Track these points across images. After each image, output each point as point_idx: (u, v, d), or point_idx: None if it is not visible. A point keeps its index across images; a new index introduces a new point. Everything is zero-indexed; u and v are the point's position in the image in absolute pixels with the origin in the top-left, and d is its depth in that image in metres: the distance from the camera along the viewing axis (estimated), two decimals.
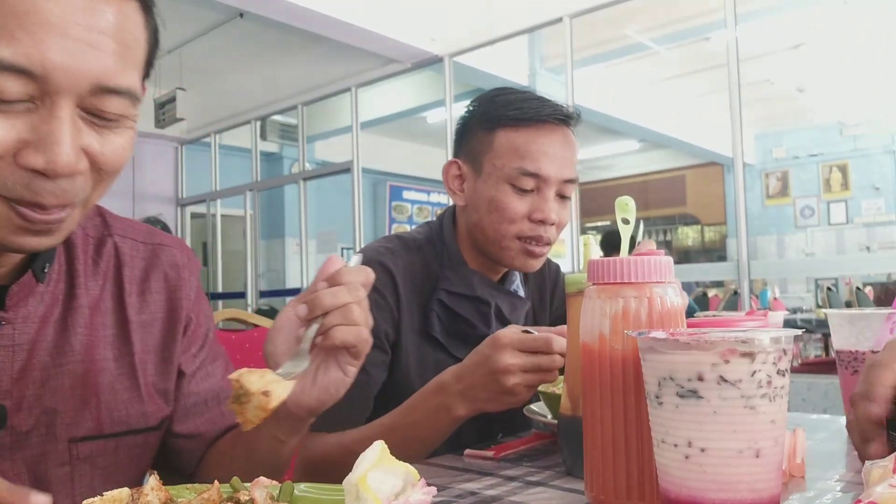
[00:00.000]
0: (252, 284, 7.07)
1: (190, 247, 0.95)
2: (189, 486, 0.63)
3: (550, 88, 5.74)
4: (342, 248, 8.67)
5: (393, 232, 10.30)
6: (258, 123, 7.19)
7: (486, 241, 1.24)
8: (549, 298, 1.42)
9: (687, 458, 0.57)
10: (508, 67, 5.70)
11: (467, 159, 1.28)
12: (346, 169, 6.14)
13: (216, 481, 0.60)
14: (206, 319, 0.93)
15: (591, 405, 0.69)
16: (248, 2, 4.70)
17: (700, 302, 6.71)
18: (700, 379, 0.56)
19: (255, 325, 1.66)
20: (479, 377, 0.97)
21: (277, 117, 7.36)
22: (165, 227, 7.34)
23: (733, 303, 5.48)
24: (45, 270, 0.76)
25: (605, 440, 0.67)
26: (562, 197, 1.24)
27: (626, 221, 0.78)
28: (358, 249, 1.33)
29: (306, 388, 0.75)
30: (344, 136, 6.55)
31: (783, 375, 0.57)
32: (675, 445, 0.57)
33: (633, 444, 0.66)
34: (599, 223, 10.71)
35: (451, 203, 1.34)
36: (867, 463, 0.60)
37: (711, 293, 7.89)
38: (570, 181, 1.23)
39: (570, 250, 4.97)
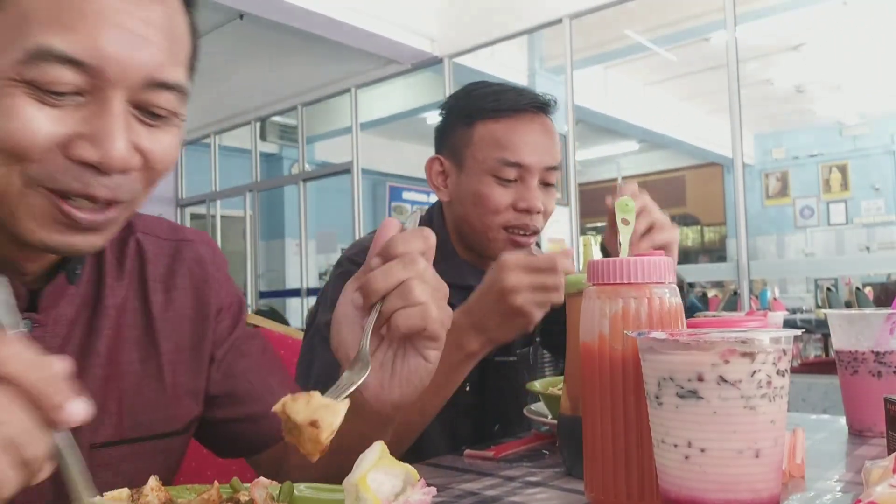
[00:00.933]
0: (252, 285, 7.07)
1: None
2: (189, 486, 0.63)
3: (550, 89, 5.71)
4: (342, 249, 8.66)
5: None
6: (258, 124, 7.19)
7: (472, 233, 1.24)
8: None
9: (687, 458, 0.57)
10: (508, 68, 5.70)
11: (449, 155, 1.28)
12: (345, 170, 6.14)
13: (216, 482, 0.60)
14: (238, 304, 0.90)
15: (591, 405, 0.69)
16: (248, 3, 4.70)
17: (699, 302, 6.71)
18: (700, 379, 0.56)
19: (255, 326, 1.65)
20: (487, 304, 0.97)
21: (277, 118, 7.37)
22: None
23: (733, 303, 5.48)
24: (78, 272, 0.74)
25: (605, 440, 0.67)
26: (546, 185, 1.24)
27: (625, 222, 0.78)
28: (353, 242, 1.32)
29: (385, 382, 0.69)
30: (344, 136, 6.55)
31: (783, 376, 0.57)
32: (675, 446, 0.57)
33: (633, 445, 0.66)
34: (599, 224, 10.71)
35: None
36: (867, 463, 0.60)
37: (711, 293, 7.90)
38: (553, 168, 1.23)
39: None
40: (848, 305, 5.67)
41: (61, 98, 0.59)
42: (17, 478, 0.43)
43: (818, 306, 7.09)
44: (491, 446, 0.98)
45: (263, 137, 7.50)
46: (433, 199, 1.43)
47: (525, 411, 1.09)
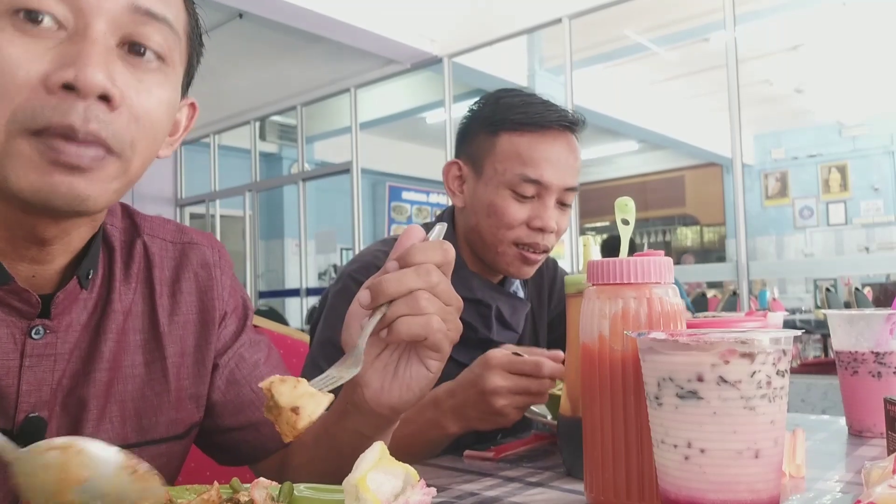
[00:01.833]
0: (251, 285, 7.07)
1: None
2: (189, 486, 0.63)
3: (549, 89, 5.73)
4: (341, 249, 8.68)
5: (392, 233, 10.27)
6: (257, 124, 7.19)
7: (482, 244, 1.23)
8: (548, 296, 1.42)
9: (686, 458, 0.57)
10: (507, 68, 5.70)
11: (468, 160, 1.26)
12: (345, 169, 6.14)
13: (216, 482, 0.60)
14: (243, 311, 0.89)
15: (591, 406, 0.69)
16: (248, 2, 4.70)
17: (699, 303, 6.71)
18: (700, 380, 0.56)
19: (255, 326, 1.65)
20: (469, 396, 0.97)
21: (277, 118, 7.37)
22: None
23: (732, 303, 5.48)
24: (90, 276, 0.73)
25: (604, 441, 0.67)
26: (562, 204, 1.23)
27: (625, 222, 0.78)
28: (357, 251, 1.32)
29: (386, 385, 0.70)
30: (343, 136, 6.55)
31: (783, 376, 0.57)
32: (675, 446, 0.57)
33: (633, 445, 0.66)
34: (598, 224, 10.72)
35: (449, 204, 1.33)
36: (867, 463, 0.60)
37: (710, 294, 7.89)
38: (572, 189, 1.22)
39: (570, 251, 4.97)
40: (847, 306, 5.67)
41: (44, 31, 0.59)
42: None
43: (817, 307, 7.08)
44: (491, 447, 0.98)
45: (263, 137, 7.49)
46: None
47: (525, 411, 1.09)
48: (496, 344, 1.16)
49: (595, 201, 9.52)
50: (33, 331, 0.69)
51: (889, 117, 8.51)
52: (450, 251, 0.67)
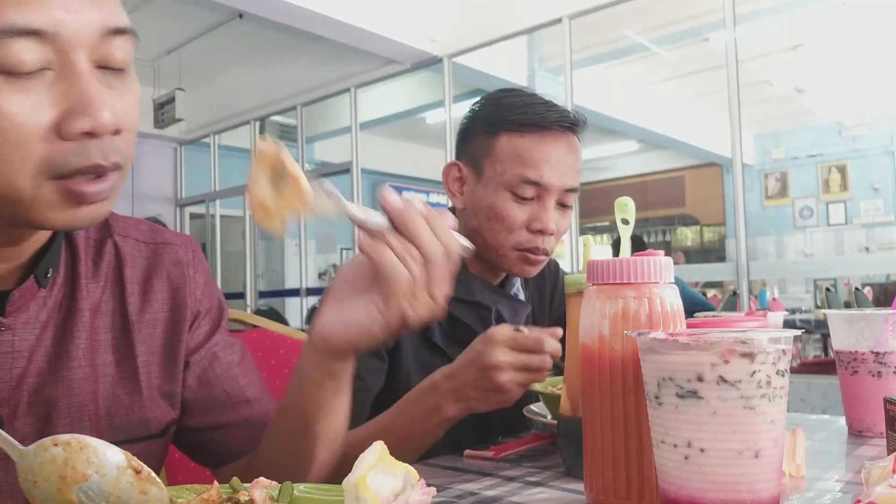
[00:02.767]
0: (251, 285, 7.06)
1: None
2: (189, 486, 0.63)
3: (549, 89, 5.73)
4: (341, 249, 8.67)
5: None
6: (257, 124, 7.19)
7: (485, 246, 1.22)
8: (549, 297, 1.42)
9: (686, 458, 0.57)
10: (507, 68, 5.70)
11: (468, 162, 1.25)
12: (345, 169, 6.14)
13: (216, 482, 0.60)
14: (218, 312, 0.89)
15: (591, 406, 0.69)
16: (248, 2, 4.70)
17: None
18: (699, 379, 0.56)
19: (255, 326, 1.65)
20: (469, 374, 0.96)
21: (276, 118, 7.36)
22: (164, 227, 7.33)
23: (732, 303, 5.48)
24: (48, 276, 0.74)
25: (604, 441, 0.67)
26: (562, 206, 1.22)
27: (625, 222, 0.78)
28: (357, 251, 1.31)
29: (344, 319, 0.71)
30: (343, 136, 6.55)
31: (782, 376, 0.57)
32: (675, 446, 0.57)
33: (633, 445, 0.66)
34: (598, 224, 10.71)
35: (449, 205, 1.33)
36: (867, 463, 0.60)
37: (710, 294, 7.90)
38: (572, 190, 1.21)
39: (570, 251, 4.97)
40: (847, 306, 5.67)
41: (30, 78, 0.60)
42: None
43: (817, 306, 7.08)
44: (491, 446, 0.98)
45: (263, 137, 7.49)
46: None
47: (525, 411, 1.09)
48: None
49: (595, 201, 9.52)
50: None
51: (889, 117, 8.50)
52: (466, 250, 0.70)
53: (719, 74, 4.25)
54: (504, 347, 0.94)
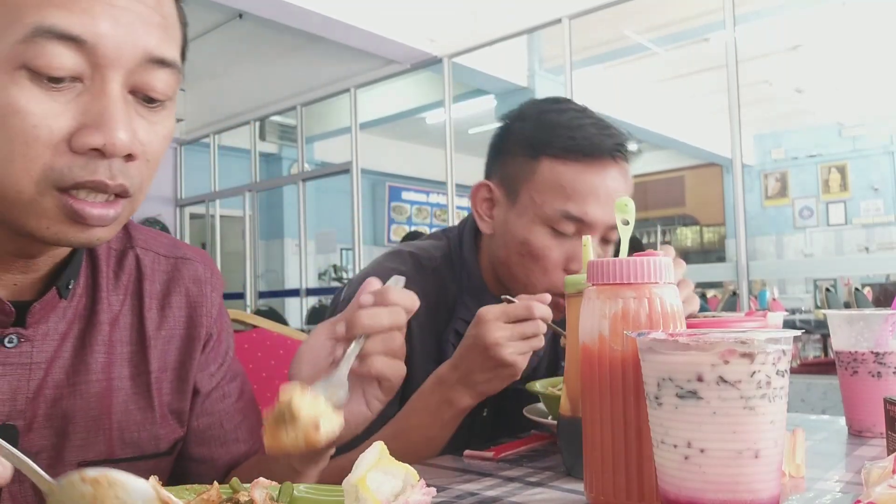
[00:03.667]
0: (251, 285, 7.07)
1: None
2: (188, 486, 0.63)
3: (549, 89, 5.74)
4: (341, 249, 8.68)
5: (392, 234, 10.18)
6: (257, 124, 7.19)
7: (511, 279, 1.13)
8: None
9: (686, 458, 0.57)
10: (507, 68, 5.71)
11: (501, 183, 1.12)
12: (345, 170, 6.14)
13: (215, 482, 0.60)
14: (227, 336, 0.89)
15: (591, 406, 0.69)
16: (248, 2, 4.70)
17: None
18: (699, 380, 0.56)
19: (254, 326, 1.66)
20: (473, 359, 0.94)
21: (276, 118, 7.37)
22: (164, 228, 7.34)
23: (732, 304, 5.48)
24: (70, 287, 0.73)
25: (604, 441, 0.67)
26: (605, 241, 1.10)
27: (625, 222, 0.78)
28: (357, 251, 1.28)
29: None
30: (343, 136, 6.56)
31: (782, 376, 0.57)
32: (675, 446, 0.57)
33: (633, 445, 0.66)
34: None
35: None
36: (867, 463, 0.60)
37: (710, 294, 7.90)
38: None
39: None
40: (847, 306, 5.67)
41: (61, 84, 0.59)
42: None
43: (817, 307, 7.09)
44: (491, 446, 0.98)
45: (263, 137, 7.49)
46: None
47: (524, 411, 1.08)
48: None
49: None
50: (6, 339, 0.69)
51: (889, 117, 8.51)
52: (416, 303, 0.72)
53: (719, 74, 4.25)
54: (497, 323, 0.92)
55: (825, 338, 5.69)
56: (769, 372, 0.56)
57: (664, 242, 10.67)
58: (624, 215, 0.77)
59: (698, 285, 7.67)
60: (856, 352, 1.00)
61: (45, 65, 0.58)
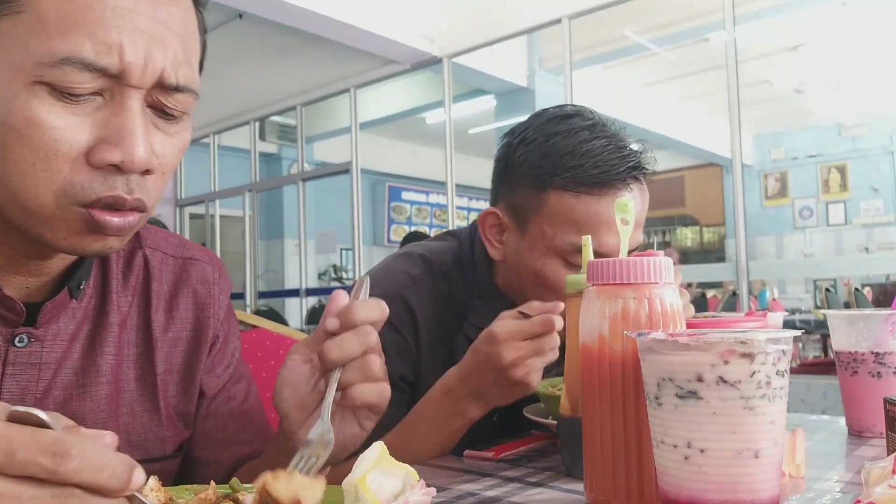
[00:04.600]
0: (251, 285, 7.07)
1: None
2: (188, 486, 0.63)
3: (549, 90, 5.74)
4: (341, 249, 8.68)
5: (392, 234, 10.15)
6: (257, 124, 7.19)
7: (525, 301, 1.07)
8: None
9: (686, 458, 0.57)
10: (507, 68, 5.71)
11: (509, 211, 1.09)
12: (344, 170, 6.14)
13: (213, 481, 0.60)
14: (234, 338, 0.88)
15: (591, 406, 0.69)
16: (248, 3, 4.70)
17: (698, 303, 6.71)
18: (699, 380, 0.56)
19: (254, 326, 1.66)
20: (486, 377, 0.91)
21: (276, 118, 7.37)
22: (164, 228, 7.33)
23: (732, 304, 5.48)
24: (81, 287, 0.73)
25: (604, 441, 0.67)
26: None
27: (625, 222, 0.78)
28: (357, 251, 1.27)
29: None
30: (343, 136, 6.56)
31: (782, 376, 0.57)
32: (675, 446, 0.57)
33: (633, 445, 0.66)
34: None
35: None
36: (867, 463, 0.60)
37: (710, 294, 7.90)
38: (635, 251, 1.05)
39: None
40: (847, 306, 5.67)
41: (80, 100, 0.59)
42: None
43: (817, 307, 7.09)
44: (491, 446, 0.98)
45: (263, 137, 7.50)
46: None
47: (524, 412, 1.08)
48: None
49: None
50: (17, 338, 0.69)
51: (889, 117, 8.51)
52: (385, 310, 0.69)
53: (719, 75, 4.25)
54: (512, 343, 0.88)
55: (825, 338, 5.69)
56: (769, 372, 0.56)
57: (665, 244, 10.67)
58: (624, 215, 0.77)
59: (698, 285, 7.67)
60: (856, 352, 1.00)
61: (69, 85, 0.58)
